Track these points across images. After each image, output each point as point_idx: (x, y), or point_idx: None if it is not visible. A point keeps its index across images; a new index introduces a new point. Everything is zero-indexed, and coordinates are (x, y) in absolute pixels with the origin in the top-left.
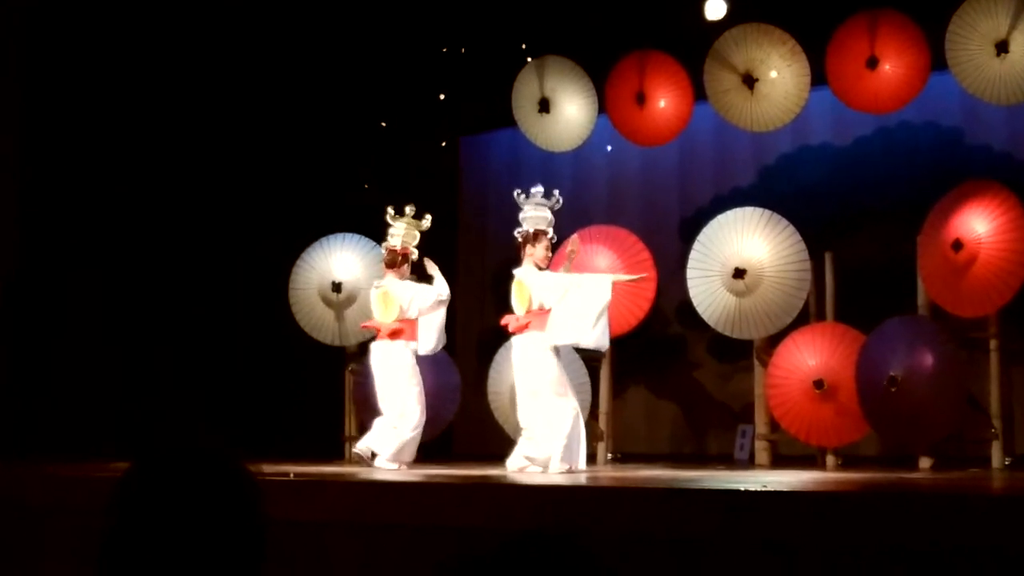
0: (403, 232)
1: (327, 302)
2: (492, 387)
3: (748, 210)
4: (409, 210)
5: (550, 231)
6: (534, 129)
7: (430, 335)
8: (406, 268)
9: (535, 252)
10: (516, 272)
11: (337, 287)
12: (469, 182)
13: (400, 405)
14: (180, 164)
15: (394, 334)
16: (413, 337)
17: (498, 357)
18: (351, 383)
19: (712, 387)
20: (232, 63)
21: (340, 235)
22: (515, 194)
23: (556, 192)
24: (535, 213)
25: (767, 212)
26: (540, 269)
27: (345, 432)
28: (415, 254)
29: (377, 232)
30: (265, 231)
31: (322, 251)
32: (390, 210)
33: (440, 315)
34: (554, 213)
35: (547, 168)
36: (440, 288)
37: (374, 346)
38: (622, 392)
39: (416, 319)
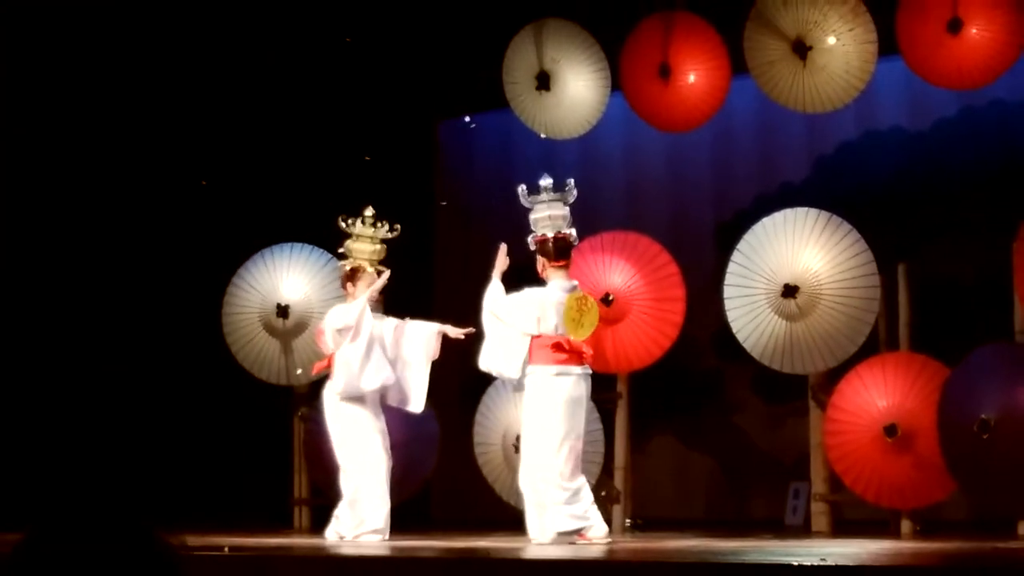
0: (360, 244)
1: (271, 330)
2: (480, 437)
3: (800, 212)
4: (368, 214)
5: (556, 232)
6: (531, 110)
7: (340, 375)
8: (366, 290)
9: (539, 263)
10: (566, 286)
11: (283, 311)
12: (448, 178)
13: (343, 467)
14: (88, 156)
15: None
16: (333, 375)
17: (487, 400)
18: (301, 432)
19: (757, 435)
20: (164, 38)
21: (287, 246)
22: (520, 191)
23: (570, 182)
24: (539, 211)
25: (824, 214)
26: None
27: (295, 493)
28: (382, 273)
29: (334, 241)
30: (194, 240)
31: (264, 266)
32: (344, 219)
33: (353, 350)
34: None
35: (547, 159)
36: (341, 311)
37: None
38: (643, 442)
39: (334, 353)
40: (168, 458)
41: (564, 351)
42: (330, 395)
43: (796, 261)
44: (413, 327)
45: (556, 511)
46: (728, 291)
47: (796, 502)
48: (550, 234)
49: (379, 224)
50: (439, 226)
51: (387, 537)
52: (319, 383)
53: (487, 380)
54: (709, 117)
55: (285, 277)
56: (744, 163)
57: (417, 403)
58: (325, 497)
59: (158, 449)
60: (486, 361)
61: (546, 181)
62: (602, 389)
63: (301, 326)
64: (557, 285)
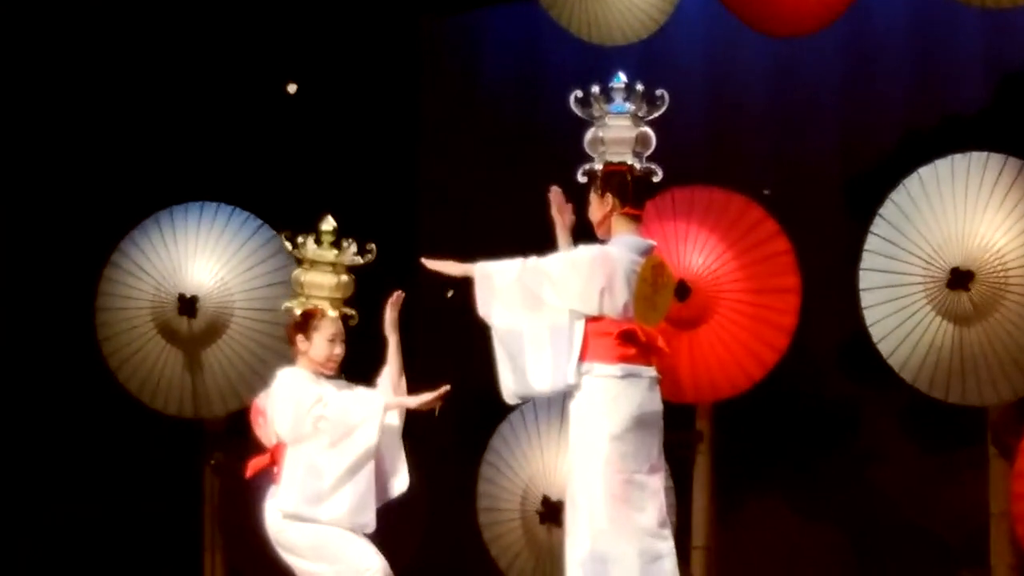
0: (315, 274)
1: (169, 334)
2: (488, 500)
3: (976, 158)
4: (326, 229)
5: (639, 164)
6: (567, 5)
7: (292, 489)
8: (331, 346)
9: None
10: (641, 247)
11: (188, 305)
12: (441, 105)
13: None
14: None
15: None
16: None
17: (498, 444)
18: (214, 489)
19: (908, 500)
20: None
21: (193, 206)
22: (571, 100)
23: (662, 94)
24: (612, 131)
25: (1014, 162)
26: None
27: None
28: (352, 317)
29: (266, 203)
30: (54, 198)
31: (160, 237)
32: (288, 237)
33: (300, 461)
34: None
35: (589, 78)
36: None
37: None
38: (734, 508)
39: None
40: (13, 531)
41: (635, 344)
42: (273, 512)
43: (970, 233)
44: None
45: None
46: (866, 279)
47: None
48: (631, 161)
49: (344, 243)
50: (423, 182)
51: None
52: (241, 417)
53: (497, 415)
54: (837, 15)
55: (191, 254)
56: (888, 84)
57: (400, 482)
58: None
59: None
60: (515, 383)
61: (617, 83)
62: (672, 428)
63: (215, 329)
64: (627, 244)
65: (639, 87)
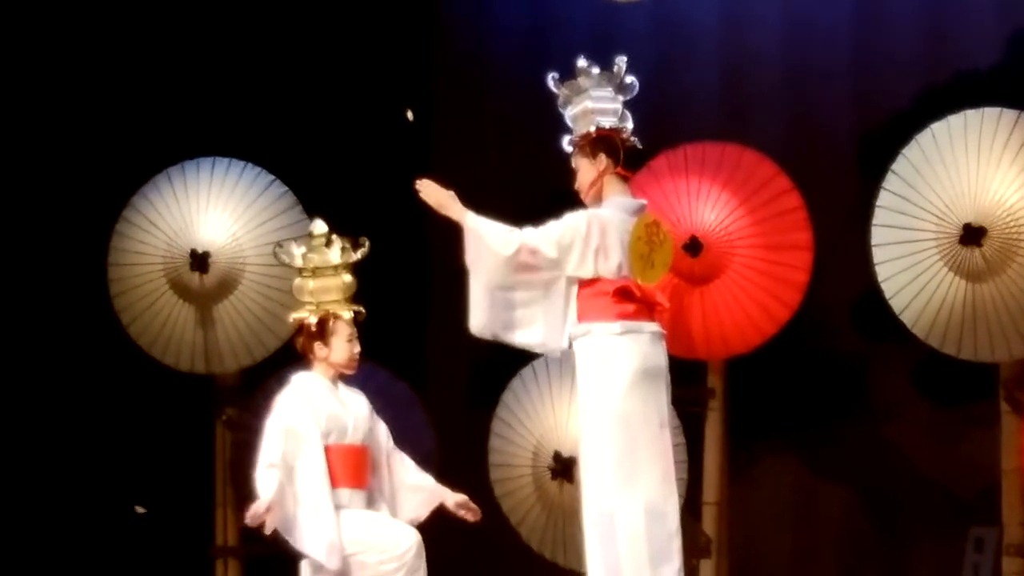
0: (320, 280)
1: (181, 290)
2: (500, 456)
3: (989, 113)
4: (318, 232)
5: (627, 129)
6: None
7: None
8: (351, 346)
9: (595, 165)
10: (632, 206)
11: (200, 261)
12: (452, 66)
13: None
14: None
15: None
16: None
17: (510, 400)
18: (226, 444)
19: (920, 456)
20: None
21: (205, 161)
22: (551, 79)
23: (621, 63)
24: (600, 100)
25: None
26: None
27: (217, 539)
28: (361, 313)
29: (277, 157)
30: (65, 154)
31: (171, 192)
32: (279, 249)
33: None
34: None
35: (603, 36)
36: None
37: None
38: (746, 466)
39: None
40: (25, 487)
41: (632, 300)
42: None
43: (982, 189)
44: (419, 478)
45: None
46: (878, 235)
47: (979, 557)
48: (620, 126)
49: (339, 243)
50: (436, 137)
51: None
52: (254, 372)
53: (509, 369)
54: None
55: (203, 210)
56: (901, 40)
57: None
58: (262, 543)
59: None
60: (491, 324)
61: (584, 63)
62: (684, 384)
63: (227, 284)
64: (619, 204)
65: (620, 63)
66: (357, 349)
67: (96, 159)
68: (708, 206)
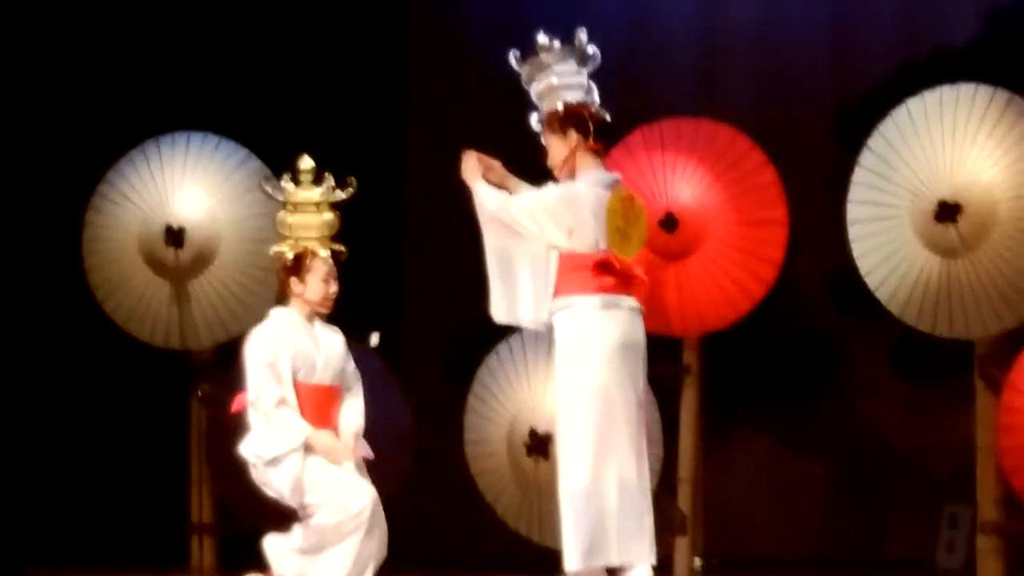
0: (301, 216)
1: (157, 265)
2: (476, 431)
3: (964, 89)
4: (305, 168)
5: (594, 102)
6: None
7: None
8: (326, 286)
9: (566, 142)
10: (606, 180)
11: (176, 236)
12: (426, 50)
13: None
14: None
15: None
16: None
17: (486, 375)
18: (201, 420)
19: (895, 433)
20: None
21: (180, 136)
22: (511, 57)
23: (581, 36)
24: (564, 76)
25: (1002, 93)
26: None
27: (192, 516)
28: (342, 253)
29: (253, 132)
30: (38, 128)
31: (146, 166)
32: (266, 183)
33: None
34: (593, 82)
35: (578, 16)
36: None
37: None
38: (721, 442)
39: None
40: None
41: (611, 274)
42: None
43: (958, 166)
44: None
45: None
46: (853, 211)
47: (953, 533)
48: (587, 100)
49: (325, 181)
50: (412, 129)
51: None
52: (229, 348)
53: (485, 343)
54: None
55: (178, 185)
56: (877, 15)
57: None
58: (238, 521)
59: None
60: (507, 306)
61: (544, 39)
62: (660, 360)
63: (203, 259)
64: (593, 179)
65: (580, 38)
66: (333, 289)
67: (72, 134)
68: (683, 182)
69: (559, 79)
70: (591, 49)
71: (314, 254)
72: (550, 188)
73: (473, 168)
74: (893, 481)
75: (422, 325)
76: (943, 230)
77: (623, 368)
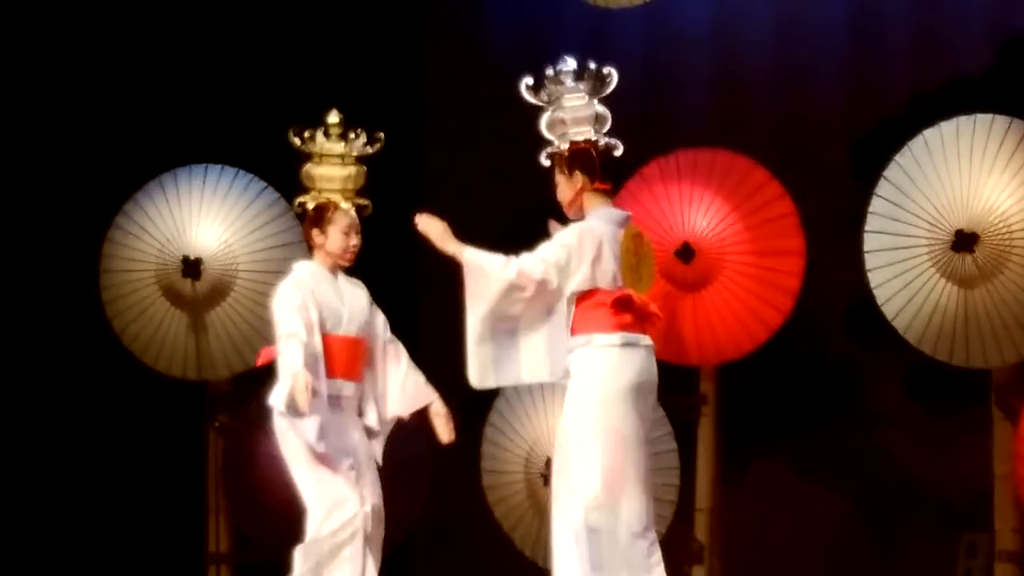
0: (325, 168)
1: (174, 297)
2: (492, 462)
3: (981, 120)
4: (332, 122)
5: (603, 137)
6: None
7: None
8: (347, 239)
9: (571, 183)
10: (617, 218)
11: (192, 268)
12: (444, 75)
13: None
14: None
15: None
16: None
17: (502, 406)
18: (218, 451)
19: (913, 462)
20: None
21: (197, 168)
22: (524, 85)
23: (593, 64)
24: (572, 111)
25: (1019, 123)
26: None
27: (210, 544)
28: (367, 207)
29: (271, 163)
30: (57, 159)
31: (164, 199)
32: (296, 132)
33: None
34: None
35: (596, 42)
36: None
37: None
38: (739, 472)
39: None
40: (18, 494)
41: (630, 311)
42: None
43: (975, 195)
44: (408, 376)
45: None
46: (870, 241)
47: (971, 562)
48: (595, 137)
49: (352, 135)
50: (429, 146)
51: None
52: (246, 379)
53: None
54: None
55: (195, 216)
56: (893, 46)
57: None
58: (255, 550)
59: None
60: (497, 370)
61: (567, 66)
62: (677, 390)
63: (220, 290)
64: (604, 216)
65: (591, 65)
66: (354, 242)
67: (89, 166)
68: (700, 212)
69: (567, 113)
70: (605, 73)
71: (336, 206)
72: (561, 233)
73: (442, 231)
74: (911, 510)
75: (438, 355)
76: (960, 260)
77: (636, 408)
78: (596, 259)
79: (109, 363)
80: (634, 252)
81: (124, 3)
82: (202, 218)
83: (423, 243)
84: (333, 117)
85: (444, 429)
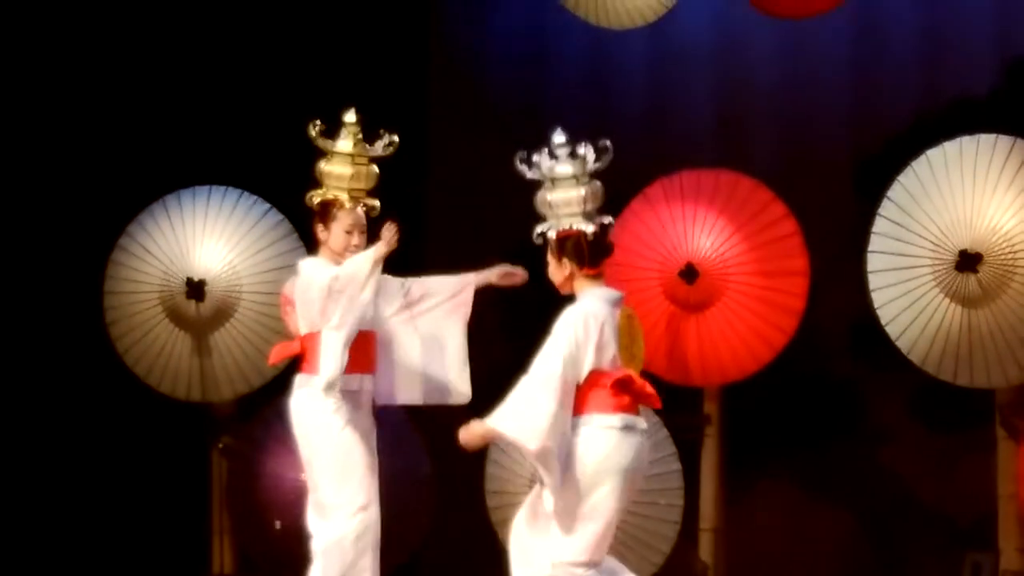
0: (334, 165)
1: (177, 318)
2: (496, 483)
3: (984, 140)
4: (349, 120)
5: (593, 223)
6: None
7: (328, 358)
8: (349, 237)
9: (560, 269)
10: (611, 298)
11: (196, 289)
12: (446, 94)
13: (316, 491)
14: None
15: (297, 363)
16: (311, 362)
17: None
18: (222, 472)
19: (916, 481)
20: None
21: (201, 190)
22: (518, 159)
23: (606, 145)
24: (562, 193)
25: (1022, 143)
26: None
27: (214, 566)
28: (372, 210)
29: (274, 184)
30: (60, 179)
31: (167, 220)
32: (314, 127)
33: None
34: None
35: (596, 65)
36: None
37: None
38: (743, 491)
39: (313, 334)
40: (22, 514)
41: (629, 392)
42: (306, 393)
43: (978, 215)
44: (432, 284)
45: None
46: (874, 261)
47: None
48: (583, 226)
49: (360, 135)
50: (433, 167)
51: None
52: (250, 400)
53: (506, 394)
54: None
55: (199, 238)
56: (896, 66)
57: (460, 390)
58: (259, 572)
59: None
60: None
61: (559, 138)
62: (682, 411)
63: (223, 312)
64: (598, 296)
65: (580, 149)
66: (356, 241)
67: (92, 187)
68: (704, 233)
69: (556, 195)
70: (600, 147)
71: (340, 204)
72: (564, 320)
73: (478, 432)
74: (915, 530)
75: None
76: (964, 280)
77: (625, 494)
78: (599, 343)
79: (113, 385)
80: (628, 332)
81: (127, 24)
82: (206, 239)
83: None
84: (350, 116)
85: (515, 278)
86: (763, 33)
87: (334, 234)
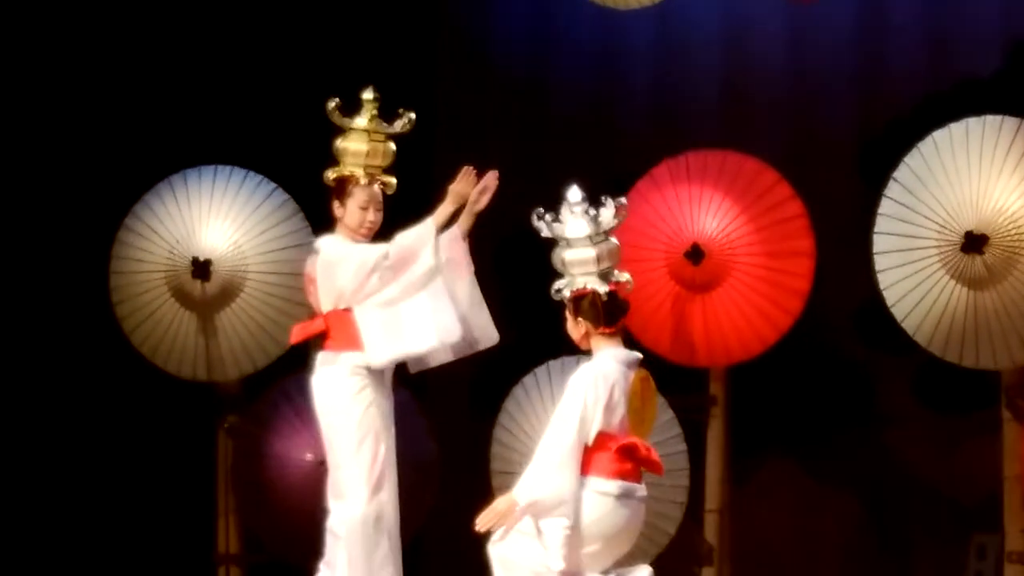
0: (350, 141)
1: (183, 298)
2: (502, 463)
3: (991, 121)
4: (368, 98)
5: (608, 282)
6: None
7: (375, 337)
8: (364, 213)
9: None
10: (627, 359)
11: (202, 269)
12: (453, 78)
13: (337, 470)
14: None
15: (322, 341)
16: (351, 344)
17: (512, 407)
18: (228, 452)
19: (922, 463)
20: None
21: (207, 169)
22: (536, 216)
23: (620, 201)
24: (576, 253)
25: None
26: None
27: (220, 546)
28: (387, 186)
29: (279, 164)
30: (65, 161)
31: (173, 200)
32: (335, 104)
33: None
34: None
35: (605, 46)
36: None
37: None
38: (748, 473)
39: (351, 309)
40: (28, 495)
41: (633, 460)
42: (330, 371)
43: (984, 197)
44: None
45: None
46: (879, 243)
47: (981, 564)
48: (596, 286)
49: (375, 111)
50: (439, 148)
51: None
52: (255, 380)
53: (512, 377)
54: None
55: (205, 218)
56: (903, 48)
57: (488, 334)
58: (265, 551)
59: (10, 481)
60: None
61: (575, 195)
62: (687, 392)
63: (229, 291)
64: (615, 357)
65: (592, 210)
66: (371, 217)
67: (98, 167)
68: (710, 214)
69: (572, 255)
70: (616, 206)
71: (356, 180)
72: (578, 378)
73: (506, 510)
74: (920, 511)
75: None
76: (970, 261)
77: (613, 556)
78: (608, 404)
79: (119, 365)
80: (640, 395)
81: (134, 3)
82: (212, 219)
83: None
84: (368, 94)
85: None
86: (770, 13)
87: (349, 210)
